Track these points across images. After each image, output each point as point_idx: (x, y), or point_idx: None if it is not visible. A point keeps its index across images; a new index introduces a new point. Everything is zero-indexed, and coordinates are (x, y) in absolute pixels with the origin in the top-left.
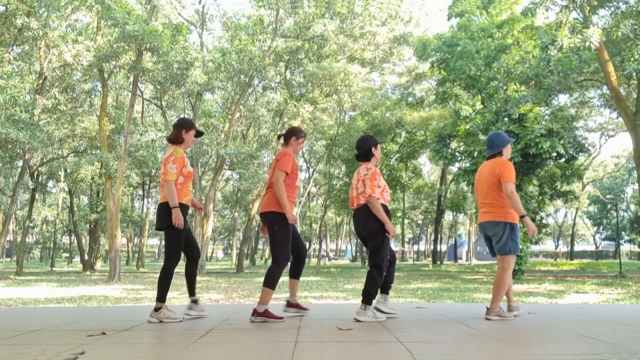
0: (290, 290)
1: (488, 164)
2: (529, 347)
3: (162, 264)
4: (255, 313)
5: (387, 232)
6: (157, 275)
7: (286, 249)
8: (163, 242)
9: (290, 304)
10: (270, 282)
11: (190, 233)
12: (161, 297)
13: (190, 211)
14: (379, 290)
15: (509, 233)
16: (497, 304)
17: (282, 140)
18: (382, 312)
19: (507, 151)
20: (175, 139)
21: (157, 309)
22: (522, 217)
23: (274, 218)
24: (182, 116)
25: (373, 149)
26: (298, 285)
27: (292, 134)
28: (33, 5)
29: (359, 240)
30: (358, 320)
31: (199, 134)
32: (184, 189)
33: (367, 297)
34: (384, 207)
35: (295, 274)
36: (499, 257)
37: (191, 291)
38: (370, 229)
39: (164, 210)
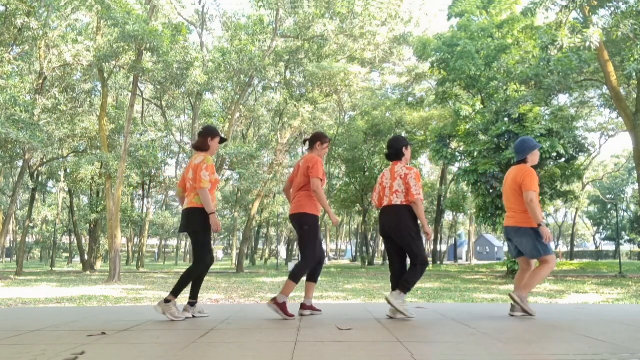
0: (306, 293)
1: (513, 170)
2: (529, 347)
3: (161, 263)
4: (274, 301)
5: (426, 234)
6: (157, 275)
7: (314, 247)
8: (164, 243)
9: (305, 307)
10: (295, 276)
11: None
12: (175, 292)
13: None
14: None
15: (533, 236)
16: (525, 292)
17: (307, 145)
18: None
19: (533, 157)
20: (201, 146)
21: (167, 301)
22: (538, 225)
23: (305, 219)
24: (207, 124)
25: (404, 149)
26: (314, 288)
27: (317, 139)
28: (33, 5)
29: (359, 240)
30: (390, 303)
31: (222, 140)
32: (211, 195)
33: (405, 286)
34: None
35: (312, 278)
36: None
37: (194, 294)
38: (400, 228)
39: (194, 214)
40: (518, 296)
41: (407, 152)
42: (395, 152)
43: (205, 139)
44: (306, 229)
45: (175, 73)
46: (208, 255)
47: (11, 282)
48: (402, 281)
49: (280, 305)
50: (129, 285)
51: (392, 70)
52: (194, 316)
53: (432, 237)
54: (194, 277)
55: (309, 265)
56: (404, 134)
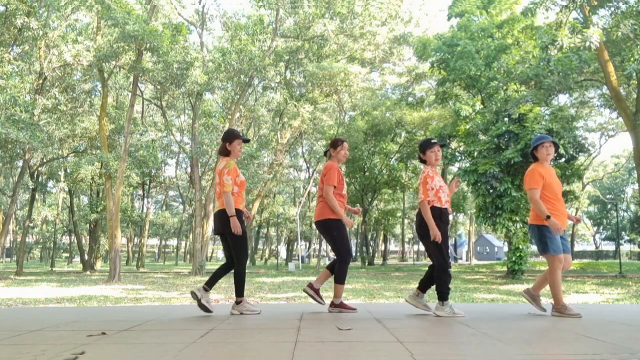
0: (319, 277)
1: None
2: (529, 347)
3: (161, 263)
4: (332, 305)
5: (433, 236)
6: (157, 275)
7: (347, 246)
8: (164, 243)
9: (312, 287)
10: (340, 278)
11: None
12: (240, 293)
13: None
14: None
15: (537, 234)
16: (558, 301)
17: (327, 157)
18: (413, 305)
19: (540, 154)
20: (222, 152)
21: (238, 302)
22: (546, 219)
23: (330, 224)
24: (229, 127)
25: (422, 155)
26: (327, 277)
27: (330, 146)
28: (33, 5)
29: (358, 240)
30: (437, 315)
31: (245, 141)
32: (239, 197)
33: (441, 295)
34: (438, 210)
35: (332, 270)
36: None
37: (210, 283)
38: (421, 228)
39: (225, 217)
40: (555, 311)
41: (428, 156)
42: (419, 157)
43: (224, 144)
44: (335, 234)
45: (175, 73)
46: (246, 251)
47: (11, 282)
48: (437, 292)
49: (339, 306)
50: (129, 285)
51: (392, 70)
52: (200, 301)
53: (439, 241)
54: (244, 276)
55: (347, 262)
56: (403, 135)
